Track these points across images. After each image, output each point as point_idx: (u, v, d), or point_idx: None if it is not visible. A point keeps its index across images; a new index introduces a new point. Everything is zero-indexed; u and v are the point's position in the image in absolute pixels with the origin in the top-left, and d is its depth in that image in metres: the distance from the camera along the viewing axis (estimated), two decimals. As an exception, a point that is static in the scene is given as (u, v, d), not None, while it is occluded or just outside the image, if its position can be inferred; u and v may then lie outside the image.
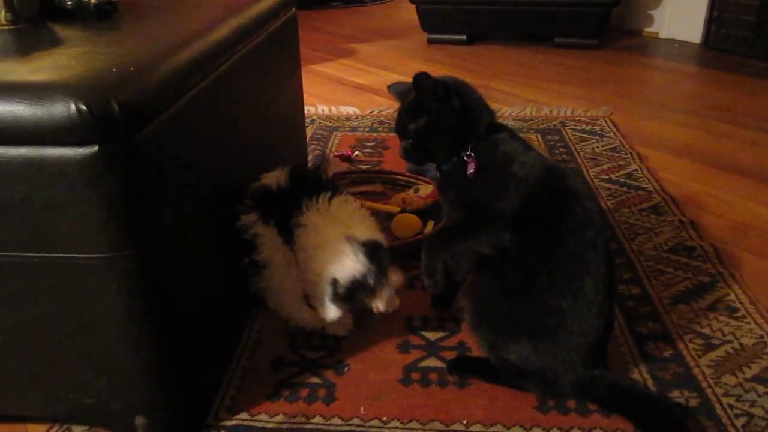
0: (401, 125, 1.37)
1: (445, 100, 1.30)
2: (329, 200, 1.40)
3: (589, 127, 2.66)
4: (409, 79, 1.32)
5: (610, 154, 2.40)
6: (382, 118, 2.80)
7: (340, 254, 1.30)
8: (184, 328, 1.19)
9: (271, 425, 1.24)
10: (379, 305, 1.35)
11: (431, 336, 1.47)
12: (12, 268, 1.03)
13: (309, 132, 2.61)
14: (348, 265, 1.29)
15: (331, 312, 1.32)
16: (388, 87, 1.43)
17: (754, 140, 2.56)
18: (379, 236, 1.37)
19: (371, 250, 1.30)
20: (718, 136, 2.62)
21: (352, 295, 1.30)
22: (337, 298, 1.30)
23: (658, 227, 1.90)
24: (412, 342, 1.45)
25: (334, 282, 1.29)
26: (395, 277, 1.38)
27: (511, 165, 1.27)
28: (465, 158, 1.30)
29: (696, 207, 2.03)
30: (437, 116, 1.31)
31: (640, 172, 2.25)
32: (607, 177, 2.22)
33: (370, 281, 1.29)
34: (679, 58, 3.70)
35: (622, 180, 2.19)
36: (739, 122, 2.74)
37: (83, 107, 0.92)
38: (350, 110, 2.91)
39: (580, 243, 1.23)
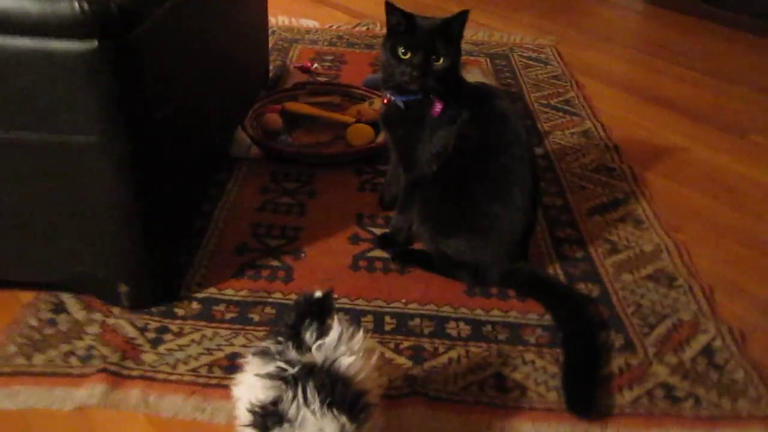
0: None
1: None
2: None
3: (535, 55, 2.83)
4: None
5: (552, 81, 2.59)
6: (341, 33, 2.91)
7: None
8: (164, 209, 1.36)
9: (237, 298, 1.43)
10: None
11: (378, 231, 1.67)
12: (17, 147, 1.16)
13: (270, 43, 2.70)
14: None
15: None
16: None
17: (684, 77, 2.78)
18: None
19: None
20: (653, 71, 2.83)
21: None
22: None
23: (585, 149, 2.11)
24: (361, 235, 1.66)
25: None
26: None
27: (460, 101, 1.44)
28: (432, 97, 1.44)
29: (622, 133, 2.24)
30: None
31: (576, 99, 2.45)
32: (546, 102, 2.41)
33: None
34: (627, -7, 3.87)
35: (559, 105, 2.39)
36: (675, 60, 2.95)
37: (85, 4, 1.05)
38: (310, 23, 3.00)
39: (510, 157, 1.44)
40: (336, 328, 0.94)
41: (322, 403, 0.84)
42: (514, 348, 1.35)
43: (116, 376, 1.23)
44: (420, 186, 1.50)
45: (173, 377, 1.24)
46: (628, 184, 1.95)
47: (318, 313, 0.95)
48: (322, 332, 0.93)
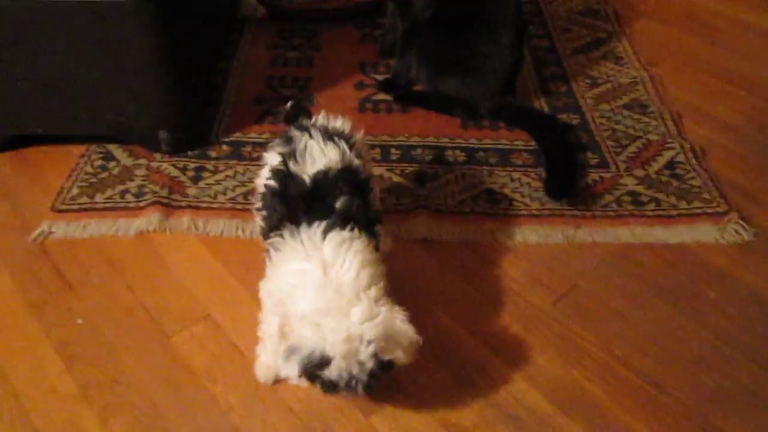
0: None
1: None
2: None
3: None
4: None
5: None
6: None
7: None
8: (191, 64, 1.54)
9: (260, 139, 1.64)
10: None
11: (380, 77, 1.84)
12: (61, 11, 1.33)
13: None
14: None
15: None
16: None
17: None
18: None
19: None
20: None
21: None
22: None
23: (572, -7, 2.24)
24: (365, 82, 1.83)
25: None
26: None
27: None
28: None
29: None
30: None
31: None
32: (535, -51, 2.49)
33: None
34: None
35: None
36: None
37: None
38: None
39: (496, 2, 1.59)
40: (322, 114, 1.20)
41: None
42: (503, 169, 1.56)
43: (167, 207, 1.45)
44: (416, 32, 1.66)
45: (215, 205, 1.47)
46: (611, 25, 2.09)
47: (301, 110, 1.25)
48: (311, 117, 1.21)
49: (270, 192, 1.09)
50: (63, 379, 1.17)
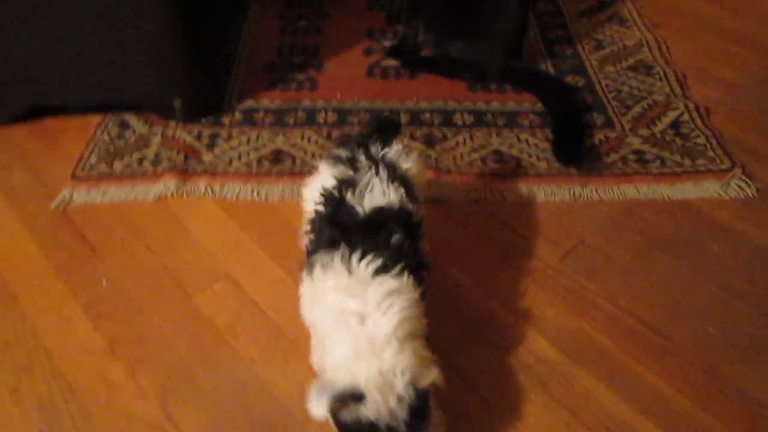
0: None
1: None
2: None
3: None
4: None
5: None
6: None
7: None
8: (204, 33, 1.57)
9: (272, 106, 1.67)
10: None
11: (388, 43, 1.87)
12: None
13: None
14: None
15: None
16: None
17: None
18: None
19: None
20: None
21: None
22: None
23: (577, -42, 2.24)
24: (374, 48, 1.86)
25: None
26: None
27: None
28: None
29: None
30: None
31: None
32: None
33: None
34: None
35: None
36: None
37: None
38: None
39: None
40: (397, 145, 1.15)
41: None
42: (510, 130, 1.59)
43: (184, 173, 1.49)
44: None
45: (230, 170, 1.50)
46: (616, -13, 2.11)
47: (384, 131, 1.16)
48: (386, 146, 1.13)
49: (319, 217, 1.05)
50: (91, 336, 1.22)
